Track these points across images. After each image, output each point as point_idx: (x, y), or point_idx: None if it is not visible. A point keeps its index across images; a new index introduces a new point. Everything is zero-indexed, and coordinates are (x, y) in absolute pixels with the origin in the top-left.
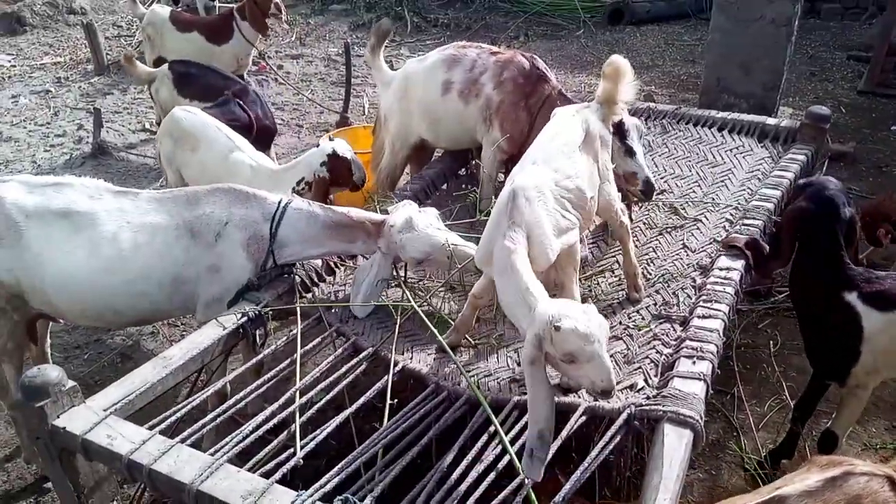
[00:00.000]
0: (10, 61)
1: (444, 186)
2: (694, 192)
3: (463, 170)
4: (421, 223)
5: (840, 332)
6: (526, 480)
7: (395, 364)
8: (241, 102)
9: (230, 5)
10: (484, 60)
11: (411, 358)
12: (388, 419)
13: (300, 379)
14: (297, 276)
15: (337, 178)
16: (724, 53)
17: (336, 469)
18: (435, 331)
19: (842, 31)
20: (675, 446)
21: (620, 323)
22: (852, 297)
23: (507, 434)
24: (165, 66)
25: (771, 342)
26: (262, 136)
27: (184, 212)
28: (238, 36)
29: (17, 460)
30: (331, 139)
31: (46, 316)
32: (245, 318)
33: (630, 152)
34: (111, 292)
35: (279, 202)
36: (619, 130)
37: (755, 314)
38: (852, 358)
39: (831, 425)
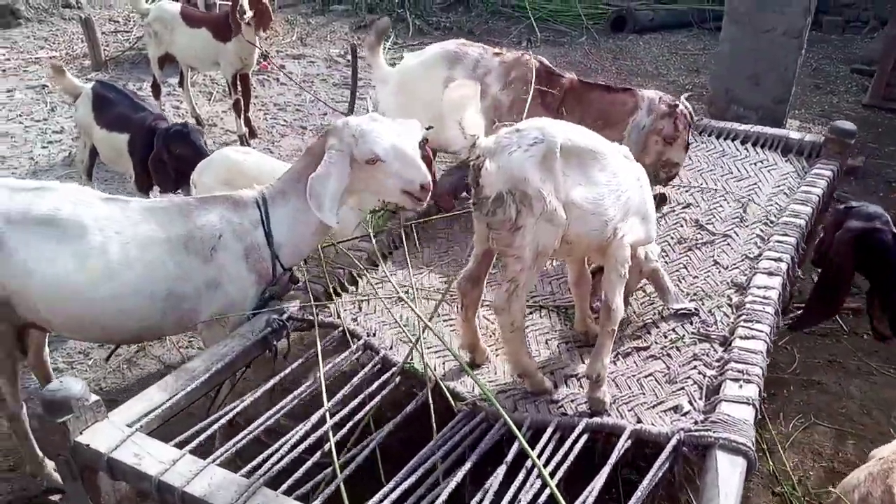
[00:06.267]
0: (4, 54)
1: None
2: (720, 206)
3: None
4: (387, 121)
5: None
6: None
7: (430, 380)
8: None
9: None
10: (487, 61)
11: (443, 375)
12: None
13: (329, 395)
14: (318, 286)
15: None
16: (733, 65)
17: (378, 496)
18: (450, 349)
19: (843, 44)
20: (728, 475)
21: (656, 342)
22: None
23: (545, 466)
24: (90, 84)
25: (794, 360)
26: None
27: (176, 224)
28: (239, 35)
29: (21, 471)
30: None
31: (36, 326)
32: (269, 329)
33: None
34: (97, 306)
35: (256, 202)
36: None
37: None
38: None
39: None
